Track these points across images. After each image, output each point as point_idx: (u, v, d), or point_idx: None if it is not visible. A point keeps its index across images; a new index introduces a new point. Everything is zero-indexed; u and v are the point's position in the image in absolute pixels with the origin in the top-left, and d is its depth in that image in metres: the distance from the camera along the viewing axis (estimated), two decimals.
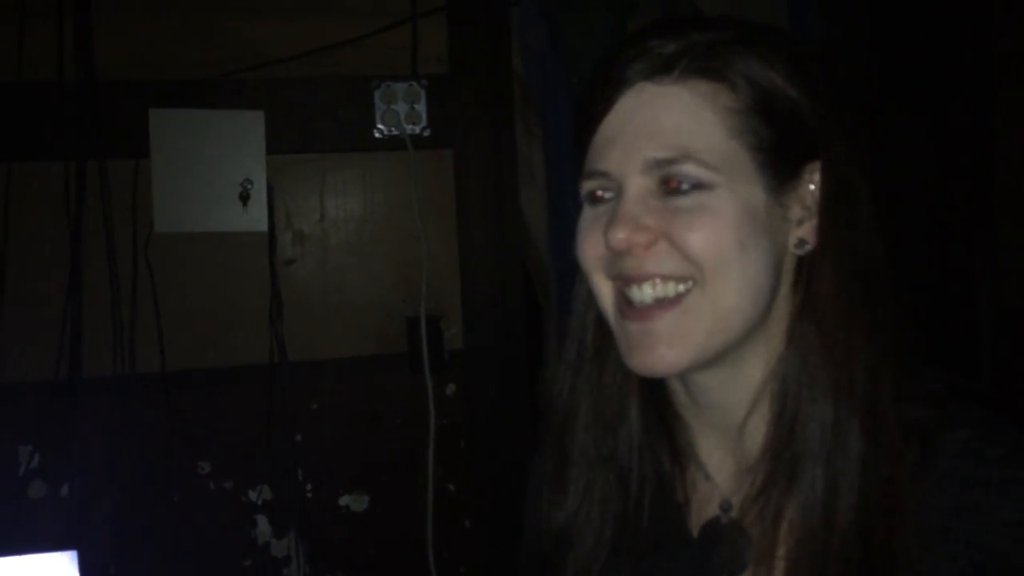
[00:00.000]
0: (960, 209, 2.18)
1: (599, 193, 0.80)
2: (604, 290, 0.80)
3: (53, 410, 1.72)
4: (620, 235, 0.75)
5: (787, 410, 0.77)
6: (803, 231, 0.78)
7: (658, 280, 0.76)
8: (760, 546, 0.78)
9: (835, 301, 0.77)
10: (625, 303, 0.78)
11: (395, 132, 1.86)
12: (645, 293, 0.76)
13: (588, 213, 0.81)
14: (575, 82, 2.38)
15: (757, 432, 0.80)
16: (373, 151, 1.88)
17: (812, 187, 0.78)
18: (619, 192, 0.77)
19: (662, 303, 0.76)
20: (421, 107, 1.87)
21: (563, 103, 2.43)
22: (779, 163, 0.77)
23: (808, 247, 0.78)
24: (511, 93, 2.04)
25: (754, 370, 0.80)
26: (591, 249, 0.80)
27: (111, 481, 1.74)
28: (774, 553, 0.77)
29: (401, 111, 1.86)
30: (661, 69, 0.76)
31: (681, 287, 0.76)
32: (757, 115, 0.75)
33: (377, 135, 1.86)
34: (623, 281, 0.78)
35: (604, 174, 0.78)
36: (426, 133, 1.88)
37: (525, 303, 2.02)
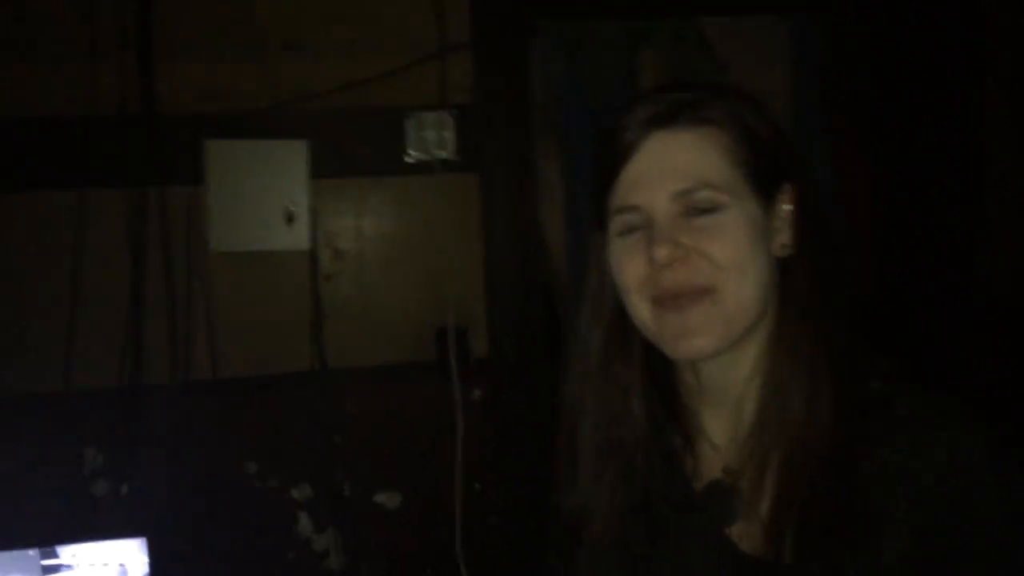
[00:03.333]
0: (950, 213, 2.31)
1: (633, 224, 0.95)
2: (642, 305, 0.96)
3: (116, 415, 1.88)
4: (663, 251, 0.91)
5: (774, 382, 0.95)
6: (783, 238, 0.97)
7: (692, 288, 0.92)
8: (750, 496, 0.94)
9: (808, 291, 0.95)
10: (663, 300, 0.94)
11: (425, 157, 2.00)
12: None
13: (621, 243, 0.97)
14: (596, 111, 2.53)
15: (751, 403, 0.97)
16: (405, 175, 2.02)
17: (786, 205, 0.97)
18: (650, 221, 0.93)
19: (694, 294, 0.92)
20: (449, 134, 2.01)
21: (581, 127, 2.58)
22: (764, 184, 0.95)
23: (788, 250, 0.97)
24: (532, 119, 2.18)
25: (750, 352, 0.97)
26: (634, 271, 0.95)
27: (168, 479, 1.90)
28: (761, 500, 0.93)
29: (431, 138, 2.00)
30: (669, 121, 0.94)
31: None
32: (743, 146, 0.94)
33: (409, 160, 2.00)
34: (662, 293, 0.93)
35: (635, 207, 0.95)
36: (454, 158, 2.01)
37: (545, 313, 2.16)
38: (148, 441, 1.88)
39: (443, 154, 2.02)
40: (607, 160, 0.97)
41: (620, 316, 1.01)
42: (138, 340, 1.88)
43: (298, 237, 1.95)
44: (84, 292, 1.87)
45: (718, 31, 2.57)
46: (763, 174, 0.95)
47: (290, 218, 1.94)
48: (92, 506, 1.86)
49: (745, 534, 0.94)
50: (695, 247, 0.92)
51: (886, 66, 2.46)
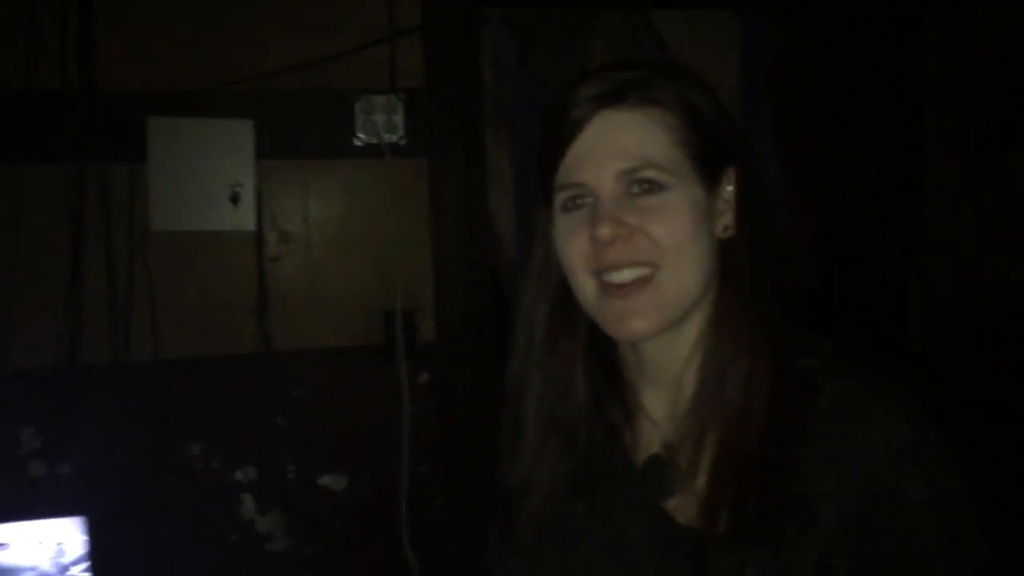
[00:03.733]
0: (891, 212, 2.37)
1: (578, 200, 0.96)
2: (587, 283, 0.97)
3: (54, 395, 1.85)
4: (606, 230, 0.92)
5: (714, 361, 0.96)
6: (725, 220, 0.98)
7: (634, 265, 0.93)
8: (687, 471, 0.96)
9: (749, 272, 0.97)
10: (605, 285, 0.95)
11: (374, 141, 2.00)
12: (623, 275, 0.94)
13: (566, 220, 0.98)
14: (546, 100, 2.55)
15: (691, 381, 0.99)
16: (354, 158, 2.02)
17: (729, 187, 0.99)
18: (595, 198, 0.95)
19: (637, 282, 0.93)
20: (398, 118, 2.01)
21: (531, 115, 2.60)
22: (708, 166, 0.96)
23: (730, 232, 0.98)
24: (482, 105, 2.19)
25: (690, 332, 0.99)
26: (576, 247, 0.96)
27: (108, 460, 1.87)
28: (697, 474, 0.95)
29: (380, 122, 2.01)
30: (617, 99, 0.95)
31: (649, 269, 0.94)
32: (689, 128, 0.95)
33: (357, 143, 2.00)
34: (604, 270, 0.94)
35: (581, 184, 0.96)
36: (403, 142, 2.02)
37: (493, 299, 2.18)
38: (87, 422, 1.86)
39: (392, 138, 2.02)
40: (553, 136, 0.97)
41: (564, 291, 1.02)
42: (77, 319, 1.85)
43: (243, 218, 1.94)
44: (21, 270, 1.84)
45: (669, 23, 2.61)
46: (707, 156, 0.96)
47: (235, 199, 1.93)
48: (29, 486, 1.82)
49: (682, 507, 0.96)
50: (638, 226, 0.93)
51: (831, 64, 2.52)
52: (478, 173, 2.13)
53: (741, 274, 0.97)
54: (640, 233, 0.93)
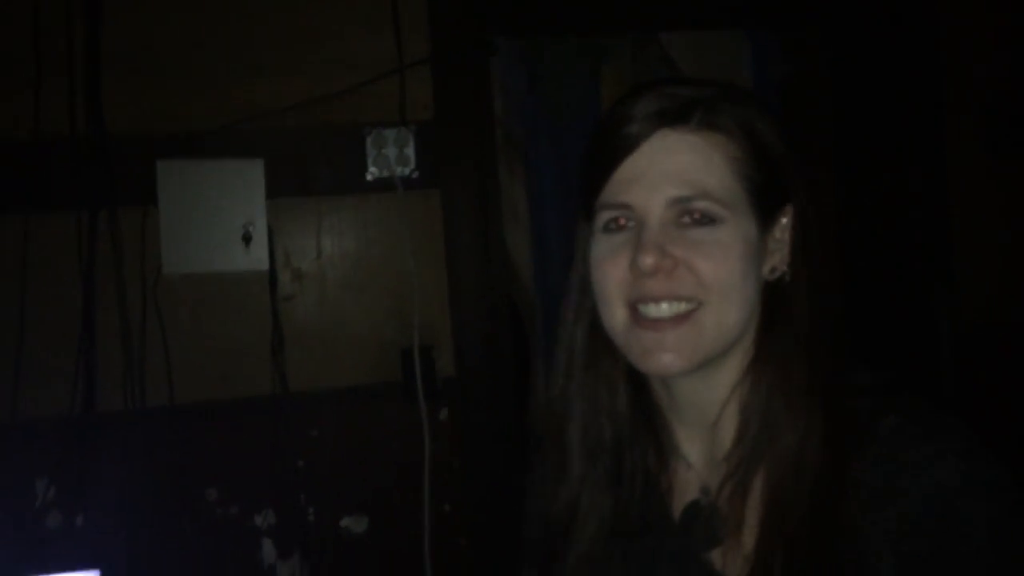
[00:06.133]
0: (916, 235, 2.32)
1: (622, 222, 0.90)
2: (619, 312, 0.91)
3: (68, 444, 1.82)
4: (649, 260, 0.86)
5: (759, 407, 0.90)
6: (775, 260, 0.92)
7: (674, 300, 0.88)
8: (731, 521, 0.90)
9: (809, 318, 0.91)
10: (638, 316, 0.89)
11: (386, 175, 1.98)
12: (662, 309, 0.88)
13: (606, 241, 0.92)
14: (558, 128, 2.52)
15: (729, 426, 0.93)
16: (366, 193, 1.99)
17: (784, 223, 0.93)
18: (641, 223, 0.89)
19: (675, 318, 0.88)
20: (410, 151, 1.99)
21: (543, 143, 2.58)
22: (765, 203, 0.91)
23: (777, 274, 0.92)
24: (494, 135, 2.17)
25: (728, 375, 0.93)
26: (613, 273, 0.90)
27: (125, 509, 1.84)
28: (742, 526, 0.89)
29: (391, 155, 1.98)
30: (679, 119, 0.89)
31: (690, 305, 0.88)
32: (751, 160, 0.89)
33: (369, 178, 1.98)
34: (640, 301, 0.89)
35: (627, 206, 0.90)
36: (415, 175, 1.99)
37: (511, 331, 2.13)
38: (103, 470, 1.82)
39: (404, 171, 1.99)
40: (605, 152, 0.91)
41: None
42: (90, 367, 1.82)
43: (256, 258, 1.91)
44: (33, 319, 1.81)
45: (679, 46, 2.58)
46: (766, 191, 0.90)
47: (247, 239, 1.90)
48: (45, 539, 1.79)
49: (728, 562, 0.91)
50: (684, 260, 0.87)
51: (847, 82, 2.48)
52: (492, 203, 2.10)
53: (798, 321, 0.91)
54: (684, 267, 0.87)
